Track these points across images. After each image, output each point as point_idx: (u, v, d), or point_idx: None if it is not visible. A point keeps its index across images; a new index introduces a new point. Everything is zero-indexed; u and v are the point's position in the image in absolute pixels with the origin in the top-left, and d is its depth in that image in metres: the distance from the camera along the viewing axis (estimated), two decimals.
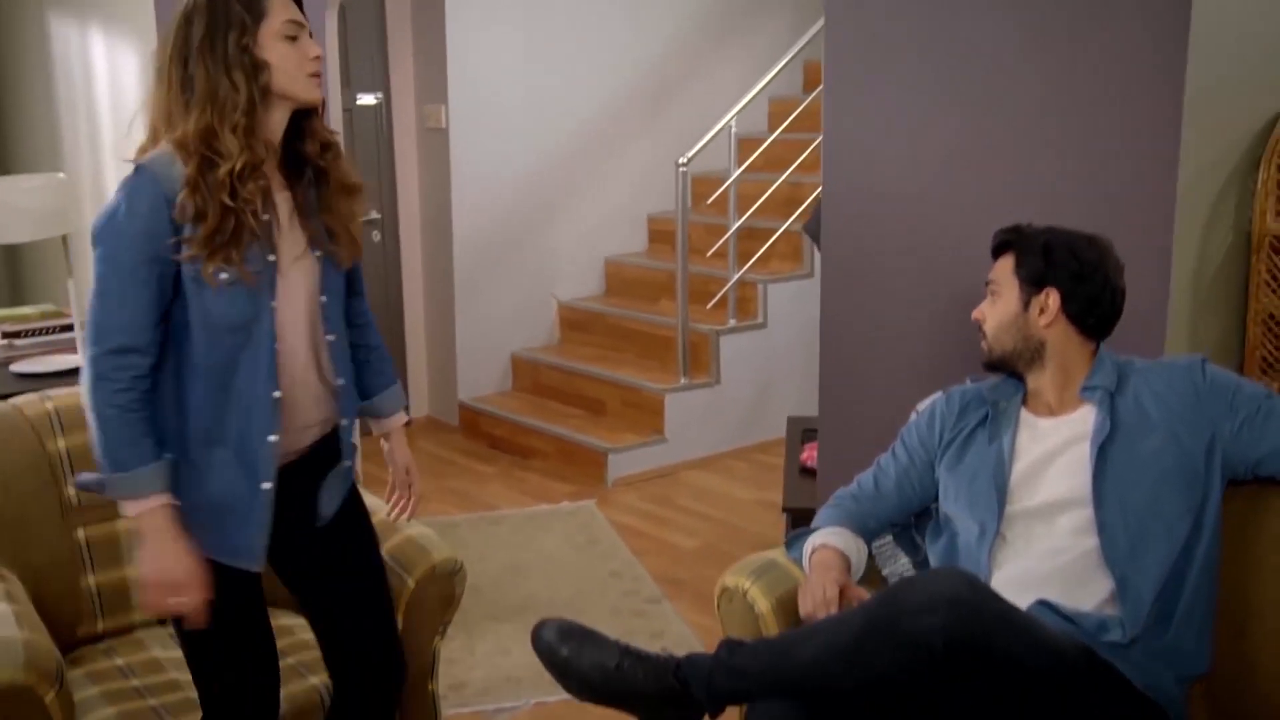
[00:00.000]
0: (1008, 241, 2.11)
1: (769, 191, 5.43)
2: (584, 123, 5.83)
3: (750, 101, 5.30)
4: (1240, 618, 1.97)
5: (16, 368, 3.48)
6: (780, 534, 4.16)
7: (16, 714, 1.87)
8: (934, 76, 2.72)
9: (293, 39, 1.80)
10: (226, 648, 1.94)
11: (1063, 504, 1.97)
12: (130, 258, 1.74)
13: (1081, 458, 1.98)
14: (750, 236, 5.42)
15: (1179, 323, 2.62)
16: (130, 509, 1.80)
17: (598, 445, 5.01)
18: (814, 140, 5.49)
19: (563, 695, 2.44)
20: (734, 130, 5.28)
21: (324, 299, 1.94)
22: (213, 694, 1.97)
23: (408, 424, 2.32)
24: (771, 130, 5.83)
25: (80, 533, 2.42)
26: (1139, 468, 1.93)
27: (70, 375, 3.27)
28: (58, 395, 2.50)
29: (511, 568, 4.03)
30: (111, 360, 1.75)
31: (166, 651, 2.35)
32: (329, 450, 2.03)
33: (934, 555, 2.12)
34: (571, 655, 1.87)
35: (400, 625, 2.29)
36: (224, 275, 1.76)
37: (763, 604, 2.09)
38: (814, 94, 5.46)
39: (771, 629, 2.07)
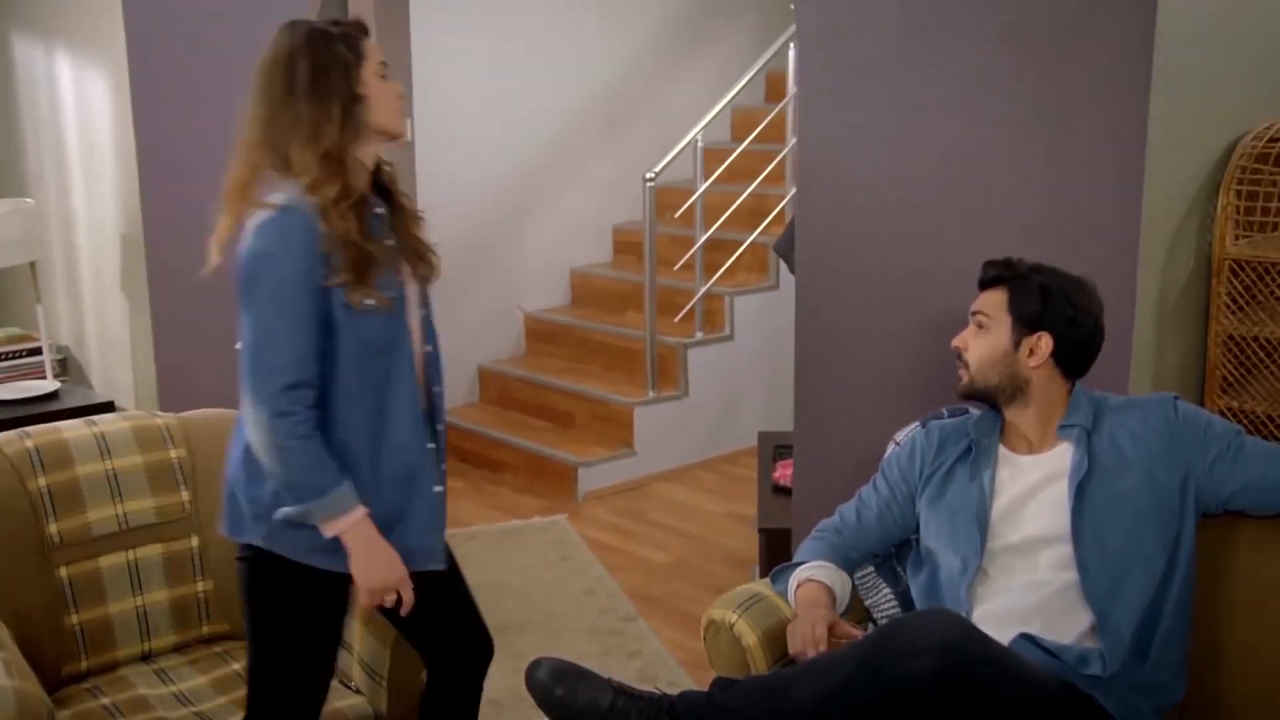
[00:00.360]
0: (1001, 277, 2.13)
1: (735, 204, 5.47)
2: (548, 134, 5.84)
3: (716, 114, 5.34)
4: (1211, 647, 2.04)
5: None
6: (751, 548, 4.21)
7: None
8: (906, 97, 2.74)
9: (384, 77, 1.97)
10: (316, 652, 2.04)
11: (1043, 540, 2.02)
12: (294, 297, 1.84)
13: (1060, 495, 2.03)
14: (716, 248, 5.46)
15: (1144, 344, 2.69)
16: (334, 528, 1.90)
17: (567, 459, 5.03)
18: (779, 151, 5.55)
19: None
20: (700, 143, 5.31)
21: (423, 313, 2.11)
22: (274, 696, 2.05)
23: None
24: (735, 140, 5.86)
25: (62, 571, 2.41)
26: (1116, 506, 1.98)
27: (42, 401, 3.26)
28: (37, 433, 2.49)
29: (488, 588, 4.03)
30: (287, 396, 1.84)
31: (153, 689, 2.35)
32: None
33: (916, 588, 2.16)
34: (566, 695, 1.90)
35: (388, 662, 2.31)
36: (369, 301, 1.89)
37: (750, 638, 2.12)
38: (780, 105, 5.51)
39: (759, 662, 2.10)
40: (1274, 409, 2.94)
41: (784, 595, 2.20)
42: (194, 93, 3.50)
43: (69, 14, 3.90)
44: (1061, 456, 2.07)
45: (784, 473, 3.60)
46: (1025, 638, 1.94)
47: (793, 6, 2.91)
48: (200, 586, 2.55)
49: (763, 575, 3.12)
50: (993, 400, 2.14)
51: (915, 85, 2.73)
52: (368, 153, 1.96)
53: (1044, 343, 2.07)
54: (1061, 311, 2.06)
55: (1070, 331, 2.07)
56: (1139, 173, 2.48)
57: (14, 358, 3.79)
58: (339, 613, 2.04)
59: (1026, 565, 2.03)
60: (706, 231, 5.38)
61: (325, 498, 1.88)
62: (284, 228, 1.85)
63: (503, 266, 5.82)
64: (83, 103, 3.92)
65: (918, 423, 2.35)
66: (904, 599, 2.24)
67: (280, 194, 1.88)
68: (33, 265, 3.43)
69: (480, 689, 2.26)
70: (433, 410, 2.15)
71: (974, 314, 2.14)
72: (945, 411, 2.34)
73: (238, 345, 1.91)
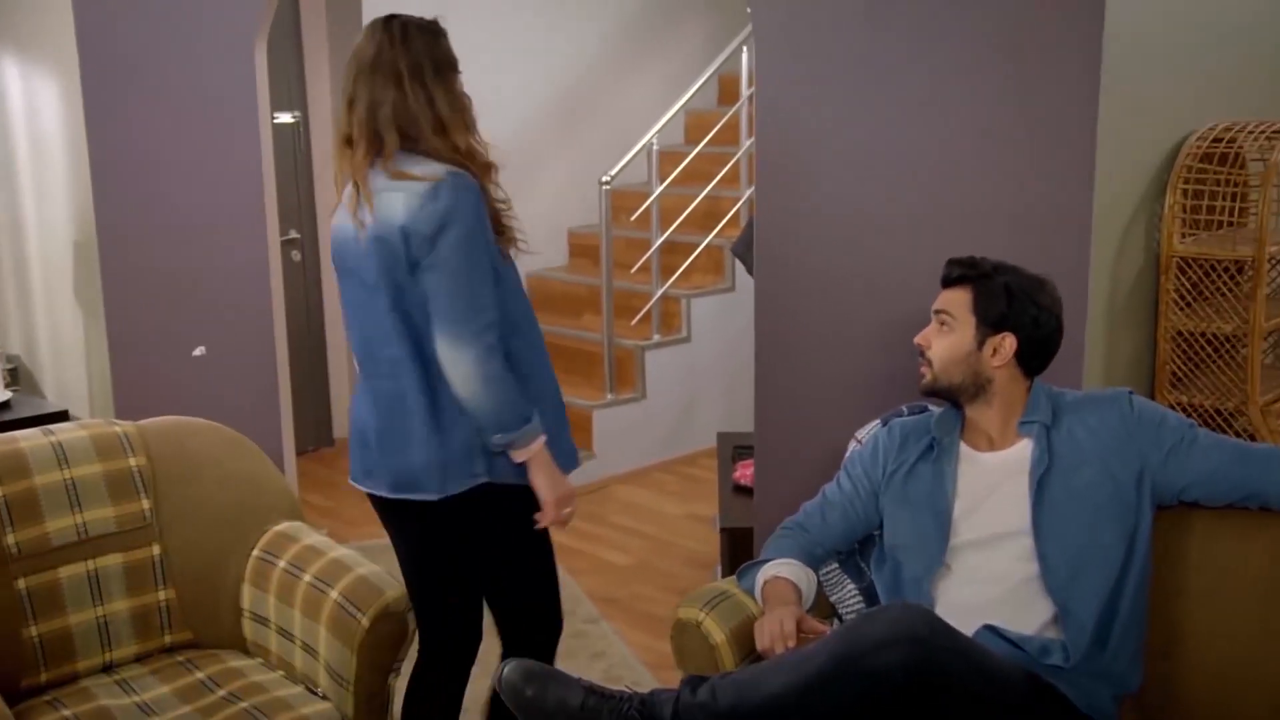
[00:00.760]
0: (965, 276, 2.14)
1: (691, 206, 5.50)
2: (502, 138, 5.80)
3: (670, 117, 5.36)
4: (1167, 635, 2.08)
5: None
6: (712, 548, 4.23)
7: None
8: (863, 99, 2.78)
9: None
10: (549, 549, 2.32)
11: (1005, 535, 2.06)
12: (480, 247, 2.09)
13: (1021, 490, 2.06)
14: (672, 251, 5.48)
15: (1095, 340, 2.74)
16: (527, 453, 2.14)
17: None
18: (733, 154, 5.59)
19: None
20: (655, 146, 5.33)
21: None
22: (544, 597, 2.34)
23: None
24: (688, 143, 5.89)
25: (20, 583, 2.38)
26: (1075, 500, 2.02)
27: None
28: None
29: None
30: (491, 333, 2.08)
31: (115, 700, 2.32)
32: None
33: (880, 583, 2.19)
34: (536, 696, 1.90)
35: (354, 666, 2.30)
36: (510, 253, 2.22)
37: (718, 635, 2.14)
38: (734, 108, 5.55)
39: (727, 660, 2.12)
40: (1221, 402, 3.01)
41: (750, 592, 2.22)
42: (147, 97, 3.47)
43: (17, 16, 3.84)
44: (1021, 453, 2.10)
45: (744, 473, 3.62)
46: (989, 629, 1.98)
47: (749, 9, 2.93)
48: (162, 595, 2.53)
49: (725, 575, 3.15)
50: (955, 398, 2.17)
51: (872, 87, 2.77)
52: None
53: (1008, 343, 2.10)
54: (1025, 312, 2.09)
55: (1033, 332, 2.10)
56: (1089, 173, 2.54)
57: None
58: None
59: (989, 559, 2.06)
60: (662, 234, 5.40)
61: (530, 424, 2.12)
62: (469, 189, 2.09)
63: None
64: (32, 106, 3.86)
65: (879, 420, 2.38)
66: (868, 594, 2.27)
67: (431, 165, 2.10)
68: None
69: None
70: None
71: (937, 312, 2.16)
72: (906, 409, 2.37)
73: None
